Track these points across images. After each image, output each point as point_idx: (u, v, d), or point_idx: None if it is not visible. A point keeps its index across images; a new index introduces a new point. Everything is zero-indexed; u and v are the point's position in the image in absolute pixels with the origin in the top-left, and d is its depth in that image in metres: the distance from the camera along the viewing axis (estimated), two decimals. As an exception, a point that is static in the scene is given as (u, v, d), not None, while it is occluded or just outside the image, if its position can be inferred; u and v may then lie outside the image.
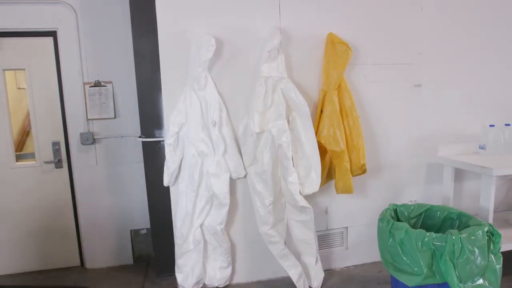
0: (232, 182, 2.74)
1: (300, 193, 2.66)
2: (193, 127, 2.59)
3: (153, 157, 2.88)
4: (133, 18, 2.80)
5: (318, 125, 2.77)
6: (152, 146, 2.89)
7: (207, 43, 2.49)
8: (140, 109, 2.88)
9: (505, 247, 2.55)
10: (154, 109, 2.86)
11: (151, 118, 2.87)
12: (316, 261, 2.81)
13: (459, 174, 3.18)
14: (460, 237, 2.06)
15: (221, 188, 2.62)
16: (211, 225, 2.69)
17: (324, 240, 3.08)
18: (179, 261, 2.71)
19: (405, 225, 2.23)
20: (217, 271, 2.79)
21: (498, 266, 2.14)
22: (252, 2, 2.66)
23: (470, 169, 2.81)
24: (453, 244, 2.05)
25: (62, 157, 3.17)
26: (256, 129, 2.58)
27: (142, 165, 2.97)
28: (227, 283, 2.85)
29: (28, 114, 3.18)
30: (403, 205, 2.60)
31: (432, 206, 2.58)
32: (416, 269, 2.14)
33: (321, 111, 2.77)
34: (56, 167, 3.17)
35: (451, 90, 3.16)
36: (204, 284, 2.81)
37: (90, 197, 3.18)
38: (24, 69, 3.05)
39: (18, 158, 3.21)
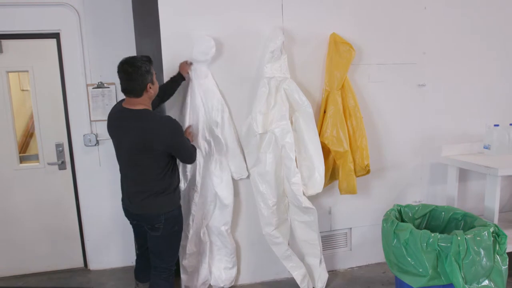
0: (236, 183, 2.73)
1: (304, 194, 2.65)
2: (197, 127, 2.58)
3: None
4: (135, 18, 2.81)
5: (322, 125, 2.76)
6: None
7: (207, 44, 2.50)
8: (143, 110, 2.88)
9: (510, 247, 2.52)
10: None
11: (154, 119, 2.87)
12: (320, 262, 2.80)
13: (463, 174, 3.16)
14: (465, 238, 2.05)
15: (223, 189, 2.61)
16: (215, 226, 2.69)
17: (328, 241, 3.07)
18: (184, 262, 2.70)
19: (409, 225, 2.22)
20: (222, 272, 2.78)
21: (504, 267, 2.12)
22: (255, 2, 2.66)
23: (475, 169, 2.79)
24: (459, 245, 2.03)
25: (65, 158, 3.17)
26: (259, 130, 2.57)
27: (145, 166, 2.96)
28: (233, 283, 2.84)
29: (31, 116, 3.18)
30: (407, 206, 2.58)
31: (436, 206, 2.57)
32: (421, 270, 2.12)
33: (325, 112, 2.77)
34: (60, 169, 3.17)
35: (455, 90, 3.15)
36: (210, 285, 2.80)
37: (93, 198, 3.18)
38: (27, 71, 3.06)
39: (22, 159, 3.21)
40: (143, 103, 2.12)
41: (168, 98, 2.56)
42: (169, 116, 2.20)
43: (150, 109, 2.17)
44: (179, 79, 2.55)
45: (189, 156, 2.26)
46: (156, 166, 2.14)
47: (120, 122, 2.16)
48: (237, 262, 2.85)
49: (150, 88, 2.10)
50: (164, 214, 2.18)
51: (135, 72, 2.05)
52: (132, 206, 2.24)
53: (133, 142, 2.09)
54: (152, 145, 2.07)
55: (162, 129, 2.07)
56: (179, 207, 2.30)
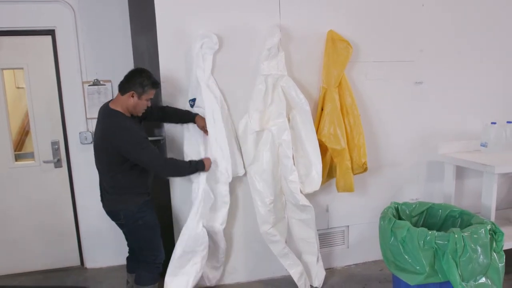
0: (232, 181, 2.70)
1: (301, 192, 2.64)
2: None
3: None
4: (131, 16, 2.79)
5: (319, 123, 2.75)
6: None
7: (210, 41, 2.49)
8: (140, 108, 2.86)
9: (507, 245, 2.53)
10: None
11: (150, 117, 2.85)
12: (317, 260, 2.80)
13: (460, 172, 3.16)
14: (462, 236, 2.05)
15: (221, 186, 2.59)
16: (211, 224, 2.66)
17: (325, 238, 3.07)
18: (179, 262, 2.57)
19: (407, 223, 2.22)
20: (209, 271, 2.76)
21: (501, 265, 2.13)
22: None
23: (472, 166, 2.79)
24: (456, 242, 2.03)
25: (61, 156, 3.15)
26: (256, 128, 2.57)
27: (141, 164, 2.95)
28: (218, 283, 2.83)
29: (27, 114, 3.16)
30: (405, 204, 2.58)
31: (433, 204, 2.57)
32: (418, 267, 2.12)
33: (322, 109, 2.76)
34: (56, 167, 3.15)
35: (452, 87, 3.15)
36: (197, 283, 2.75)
37: (89, 196, 3.15)
38: (22, 68, 3.03)
39: (17, 157, 3.19)
40: (122, 105, 2.22)
41: (167, 120, 2.63)
42: (132, 126, 2.20)
43: (127, 114, 2.24)
44: (188, 119, 2.55)
45: (151, 166, 2.26)
46: (111, 162, 2.23)
47: (98, 116, 2.30)
48: (234, 260, 2.85)
49: (132, 96, 2.20)
50: (122, 211, 2.30)
51: (132, 74, 2.23)
52: (102, 202, 2.40)
53: (97, 136, 2.27)
54: (107, 145, 2.18)
55: (118, 133, 2.15)
56: (140, 205, 2.31)
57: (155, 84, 2.25)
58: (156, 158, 2.24)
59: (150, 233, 2.39)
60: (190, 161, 2.43)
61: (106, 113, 2.23)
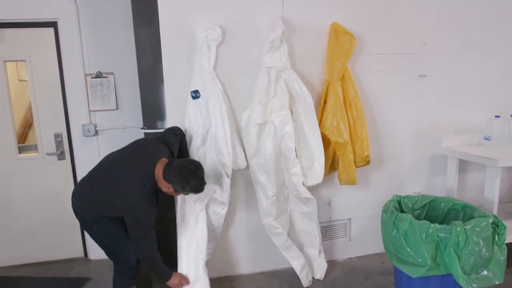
0: (234, 174, 2.71)
1: (303, 185, 2.65)
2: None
3: (156, 148, 2.86)
4: (134, 8, 2.77)
5: (322, 116, 2.74)
6: (154, 138, 2.87)
7: (214, 32, 2.49)
8: (142, 100, 2.86)
9: (509, 238, 2.53)
10: (156, 100, 2.83)
11: (153, 109, 2.84)
12: (319, 252, 2.81)
13: (462, 165, 3.16)
14: (464, 229, 2.05)
15: (225, 180, 2.59)
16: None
17: (327, 231, 3.07)
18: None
19: (409, 216, 2.22)
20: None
21: (503, 258, 2.13)
22: (254, -9, 2.62)
23: (475, 160, 2.79)
24: (458, 235, 2.04)
25: (64, 149, 3.16)
26: (258, 120, 2.56)
27: (144, 156, 2.95)
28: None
29: (30, 106, 3.16)
30: (407, 197, 2.58)
31: (436, 197, 2.57)
32: (420, 260, 2.13)
33: (325, 102, 2.75)
34: (59, 159, 3.16)
35: (456, 81, 3.13)
36: None
37: (93, 188, 3.18)
38: (25, 60, 3.03)
39: (21, 150, 3.21)
40: (158, 178, 2.15)
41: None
42: (149, 207, 2.12)
43: (155, 183, 2.15)
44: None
45: (134, 244, 2.22)
46: (98, 185, 2.22)
47: (142, 149, 2.29)
48: (236, 252, 2.87)
49: (168, 188, 2.14)
50: (77, 214, 2.31)
51: (181, 172, 2.10)
52: (72, 197, 2.35)
53: (120, 156, 2.27)
54: (114, 196, 2.14)
55: (132, 205, 2.10)
56: (96, 218, 2.27)
57: (197, 191, 2.18)
58: (143, 245, 2.20)
59: (108, 237, 2.32)
60: (166, 269, 2.33)
61: (147, 175, 2.14)
